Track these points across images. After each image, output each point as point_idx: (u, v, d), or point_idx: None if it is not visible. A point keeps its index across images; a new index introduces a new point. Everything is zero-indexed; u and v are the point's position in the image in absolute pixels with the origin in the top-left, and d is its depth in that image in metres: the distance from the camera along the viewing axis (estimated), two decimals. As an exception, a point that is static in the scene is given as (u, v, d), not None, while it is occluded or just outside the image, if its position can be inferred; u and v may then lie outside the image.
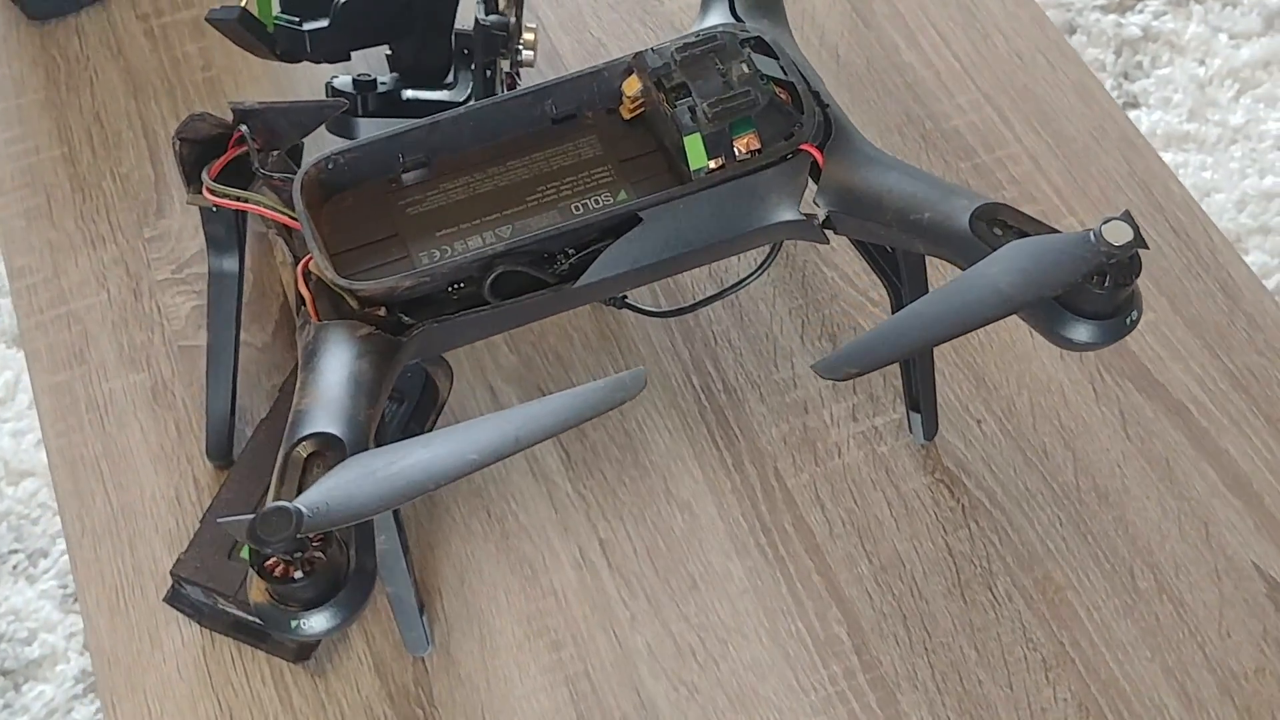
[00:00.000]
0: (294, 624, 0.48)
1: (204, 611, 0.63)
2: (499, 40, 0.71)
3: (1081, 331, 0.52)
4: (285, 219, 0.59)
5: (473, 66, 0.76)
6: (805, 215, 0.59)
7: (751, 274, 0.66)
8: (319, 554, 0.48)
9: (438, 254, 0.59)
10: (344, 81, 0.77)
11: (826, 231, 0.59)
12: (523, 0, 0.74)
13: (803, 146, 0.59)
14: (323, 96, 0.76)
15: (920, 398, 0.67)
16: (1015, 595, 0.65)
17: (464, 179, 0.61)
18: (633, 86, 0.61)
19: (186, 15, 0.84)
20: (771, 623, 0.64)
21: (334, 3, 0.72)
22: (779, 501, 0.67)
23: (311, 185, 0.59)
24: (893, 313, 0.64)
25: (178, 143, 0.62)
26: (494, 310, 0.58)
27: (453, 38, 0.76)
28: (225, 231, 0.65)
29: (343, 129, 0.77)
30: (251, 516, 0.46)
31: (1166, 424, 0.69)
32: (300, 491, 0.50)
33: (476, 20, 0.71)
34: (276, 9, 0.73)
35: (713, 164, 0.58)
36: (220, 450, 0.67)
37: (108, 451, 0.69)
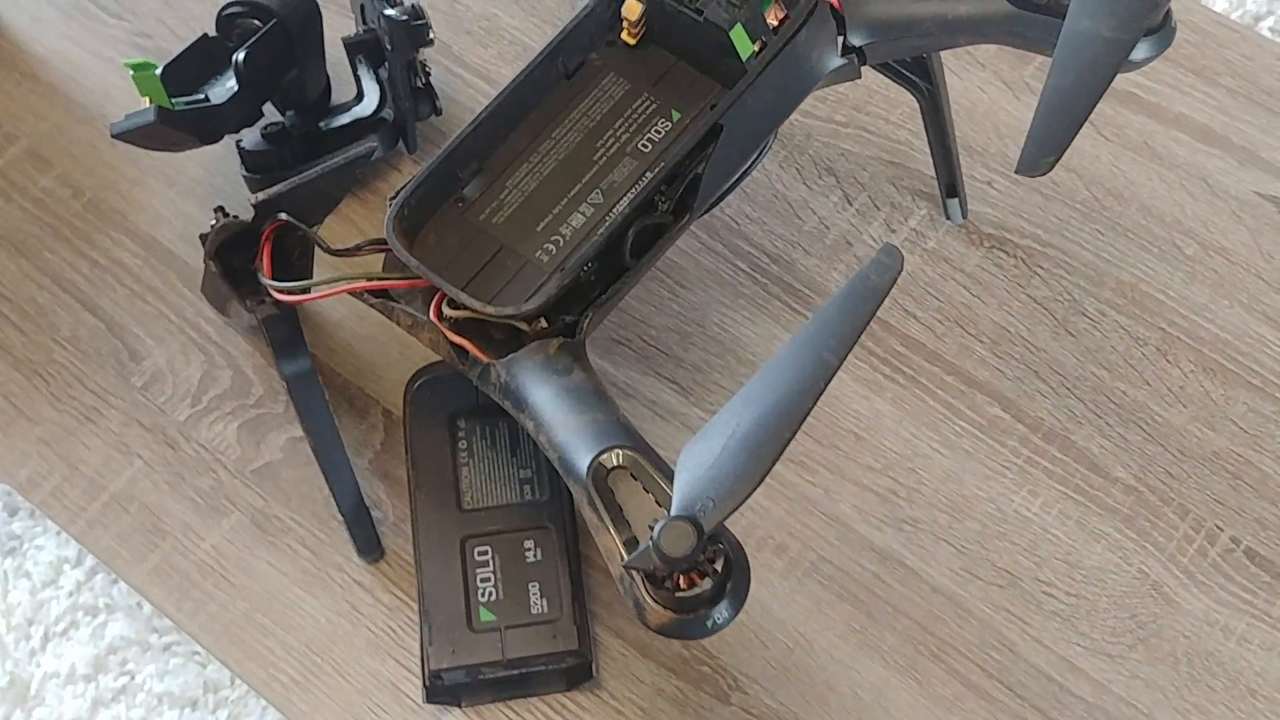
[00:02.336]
0: (710, 624, 0.47)
1: (464, 691, 0.60)
2: (422, 31, 0.68)
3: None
4: (402, 282, 0.56)
5: (379, 70, 0.72)
6: (845, 58, 0.61)
7: (758, 156, 0.67)
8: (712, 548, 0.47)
9: (553, 247, 0.58)
10: (255, 141, 0.72)
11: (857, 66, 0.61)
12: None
13: (819, -4, 0.60)
14: (247, 164, 0.71)
15: (957, 181, 0.71)
16: (1105, 309, 0.71)
17: (524, 167, 0.59)
18: (634, 10, 0.60)
19: (19, 149, 0.75)
20: (939, 433, 0.68)
21: (234, 63, 0.67)
22: (878, 331, 0.70)
23: (401, 238, 0.56)
24: (925, 117, 0.67)
25: (214, 264, 0.57)
26: (635, 270, 0.57)
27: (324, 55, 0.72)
28: (290, 330, 0.61)
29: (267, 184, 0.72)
30: (647, 545, 0.45)
31: (1128, 114, 0.76)
32: (623, 513, 0.49)
33: (385, 18, 0.68)
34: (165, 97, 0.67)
35: (755, 46, 0.59)
36: (370, 544, 0.64)
37: (254, 604, 0.64)
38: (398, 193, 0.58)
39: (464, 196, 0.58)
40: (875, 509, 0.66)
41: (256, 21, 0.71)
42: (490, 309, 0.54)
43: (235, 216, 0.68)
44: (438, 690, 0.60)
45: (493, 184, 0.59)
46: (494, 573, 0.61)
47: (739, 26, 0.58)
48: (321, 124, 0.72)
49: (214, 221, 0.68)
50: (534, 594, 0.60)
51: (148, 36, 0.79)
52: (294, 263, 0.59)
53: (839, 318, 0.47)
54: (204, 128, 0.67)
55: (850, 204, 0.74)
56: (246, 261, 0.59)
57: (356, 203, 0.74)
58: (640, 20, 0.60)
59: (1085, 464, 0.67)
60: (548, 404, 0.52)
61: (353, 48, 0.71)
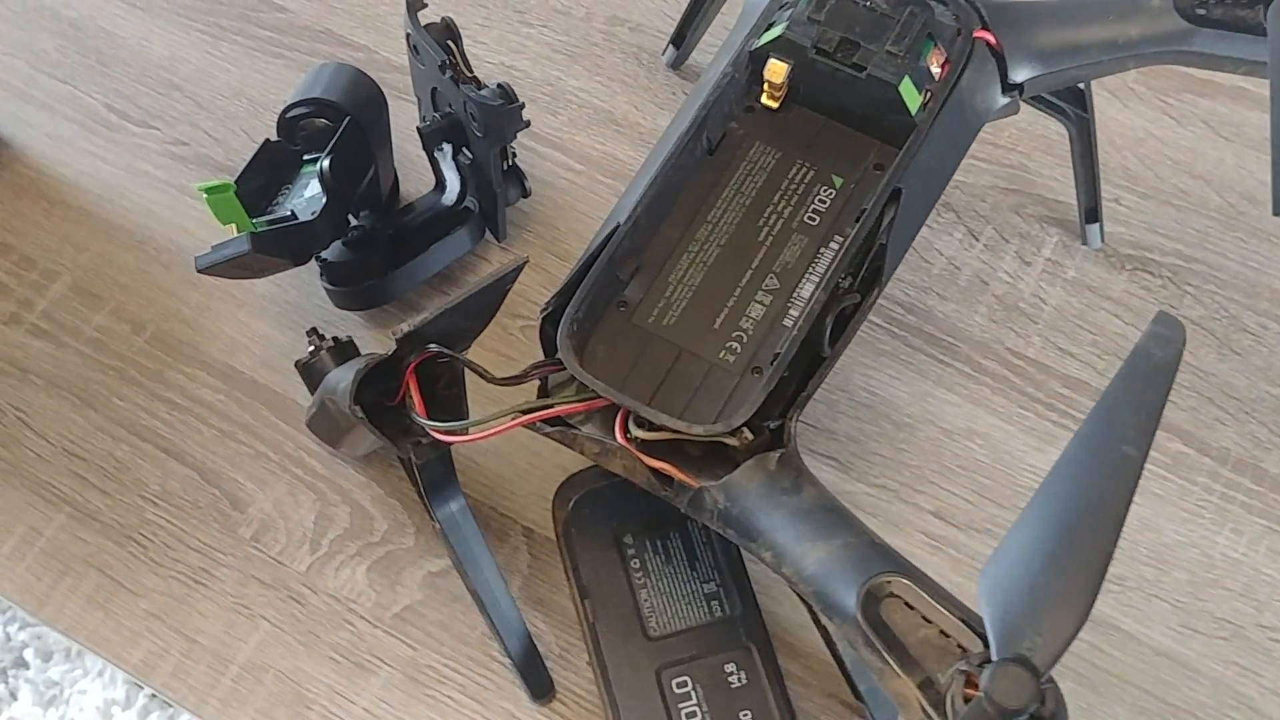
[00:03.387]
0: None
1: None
2: (516, 114, 0.61)
3: None
4: (581, 405, 0.50)
5: (457, 157, 0.66)
6: (1008, 95, 0.56)
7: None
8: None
9: (737, 345, 0.52)
10: (337, 251, 0.65)
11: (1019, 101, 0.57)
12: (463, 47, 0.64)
13: (976, 34, 0.55)
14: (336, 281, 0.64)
15: (1098, 205, 0.66)
16: (1266, 322, 0.67)
17: (684, 259, 0.53)
18: (778, 72, 0.54)
19: (62, 287, 0.68)
20: (1123, 478, 0.63)
21: (320, 173, 0.60)
22: (1035, 374, 0.66)
23: (573, 355, 0.50)
24: (1073, 144, 0.63)
25: (358, 409, 0.51)
26: (831, 358, 0.52)
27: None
28: (444, 469, 0.54)
29: (353, 297, 0.65)
30: (979, 699, 0.39)
31: (1242, 110, 0.72)
32: (908, 651, 0.43)
33: (475, 102, 0.61)
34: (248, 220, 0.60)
35: (922, 98, 0.54)
36: (544, 686, 0.58)
37: (423, 770, 0.57)
38: (551, 305, 0.52)
39: (625, 300, 0.52)
40: (1073, 570, 0.61)
41: (323, 120, 0.65)
42: (699, 429, 0.48)
43: (333, 339, 0.62)
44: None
45: (654, 282, 0.53)
46: (699, 705, 0.55)
47: (906, 79, 0.53)
48: (406, 220, 0.66)
49: (312, 347, 0.62)
50: (747, 722, 0.55)
51: (184, 144, 0.72)
52: (440, 393, 0.53)
53: (1127, 404, 0.42)
54: (297, 247, 0.60)
55: (977, 239, 0.69)
56: (384, 398, 0.53)
57: (446, 298, 0.67)
58: (784, 82, 0.55)
59: (1283, 492, 0.63)
60: (785, 531, 0.46)
61: (431, 136, 0.65)
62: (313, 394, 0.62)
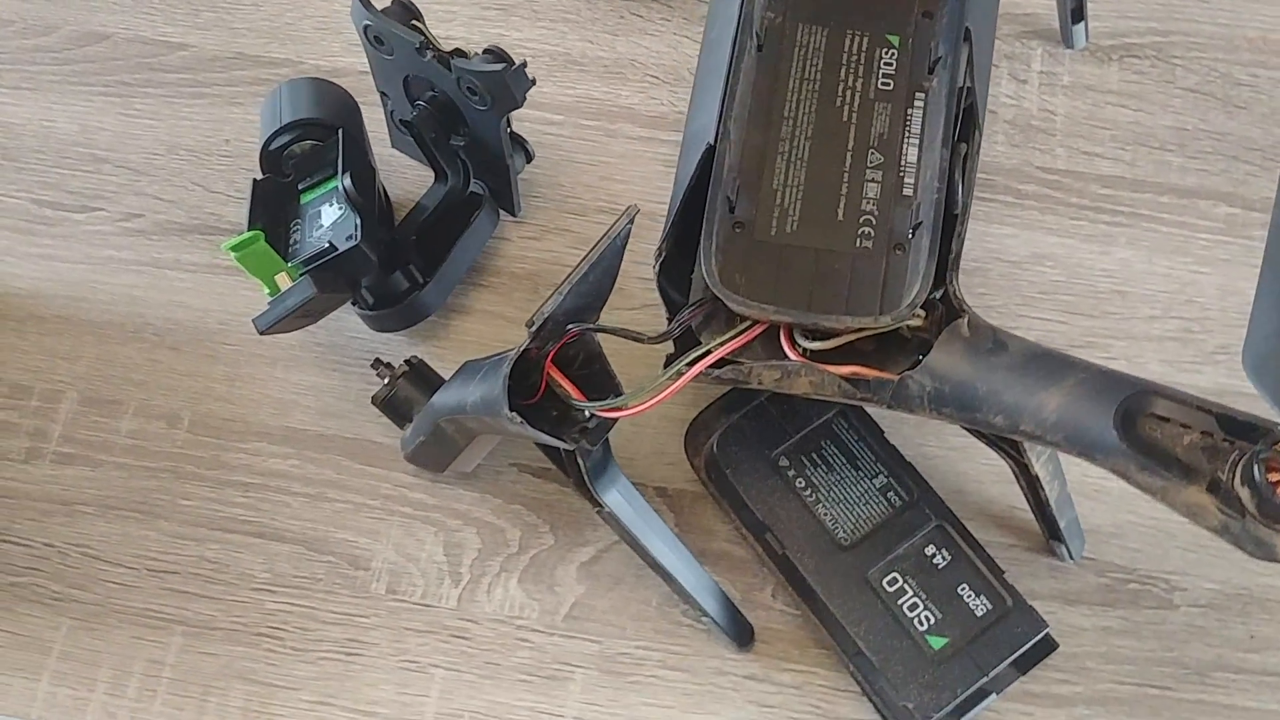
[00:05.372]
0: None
1: (940, 728, 0.54)
2: (522, 75, 0.57)
3: None
4: (745, 336, 0.48)
5: (454, 140, 0.61)
6: None
7: None
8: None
9: (869, 229, 0.50)
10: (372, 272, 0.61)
11: None
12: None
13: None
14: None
15: (1082, 2, 0.66)
16: (1255, 70, 0.68)
17: (779, 163, 0.53)
18: None
19: (70, 405, 0.61)
20: (1190, 254, 0.64)
21: (344, 192, 0.56)
22: (1073, 184, 0.66)
23: (727, 289, 0.48)
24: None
25: (516, 416, 0.48)
26: (965, 210, 0.50)
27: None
28: (604, 451, 0.51)
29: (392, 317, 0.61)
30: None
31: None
32: (1182, 462, 0.42)
33: (477, 75, 0.57)
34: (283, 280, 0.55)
35: None
36: (746, 632, 0.56)
37: (660, 753, 0.55)
38: (664, 251, 0.49)
39: (741, 221, 0.50)
40: (1182, 355, 0.62)
41: (308, 142, 0.60)
42: (887, 319, 0.47)
43: (406, 364, 0.58)
44: (923, 740, 0.53)
45: (759, 195, 0.51)
46: (916, 595, 0.54)
47: None
48: (423, 221, 0.62)
49: (386, 379, 0.57)
50: (968, 596, 0.54)
51: (137, 216, 0.65)
52: (581, 374, 0.50)
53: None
54: (352, 276, 0.56)
55: (967, 73, 0.69)
56: (523, 398, 0.49)
57: (484, 290, 0.64)
58: None
59: (1332, 222, 0.65)
60: (1011, 389, 0.45)
61: (425, 125, 0.60)
62: (401, 425, 0.58)
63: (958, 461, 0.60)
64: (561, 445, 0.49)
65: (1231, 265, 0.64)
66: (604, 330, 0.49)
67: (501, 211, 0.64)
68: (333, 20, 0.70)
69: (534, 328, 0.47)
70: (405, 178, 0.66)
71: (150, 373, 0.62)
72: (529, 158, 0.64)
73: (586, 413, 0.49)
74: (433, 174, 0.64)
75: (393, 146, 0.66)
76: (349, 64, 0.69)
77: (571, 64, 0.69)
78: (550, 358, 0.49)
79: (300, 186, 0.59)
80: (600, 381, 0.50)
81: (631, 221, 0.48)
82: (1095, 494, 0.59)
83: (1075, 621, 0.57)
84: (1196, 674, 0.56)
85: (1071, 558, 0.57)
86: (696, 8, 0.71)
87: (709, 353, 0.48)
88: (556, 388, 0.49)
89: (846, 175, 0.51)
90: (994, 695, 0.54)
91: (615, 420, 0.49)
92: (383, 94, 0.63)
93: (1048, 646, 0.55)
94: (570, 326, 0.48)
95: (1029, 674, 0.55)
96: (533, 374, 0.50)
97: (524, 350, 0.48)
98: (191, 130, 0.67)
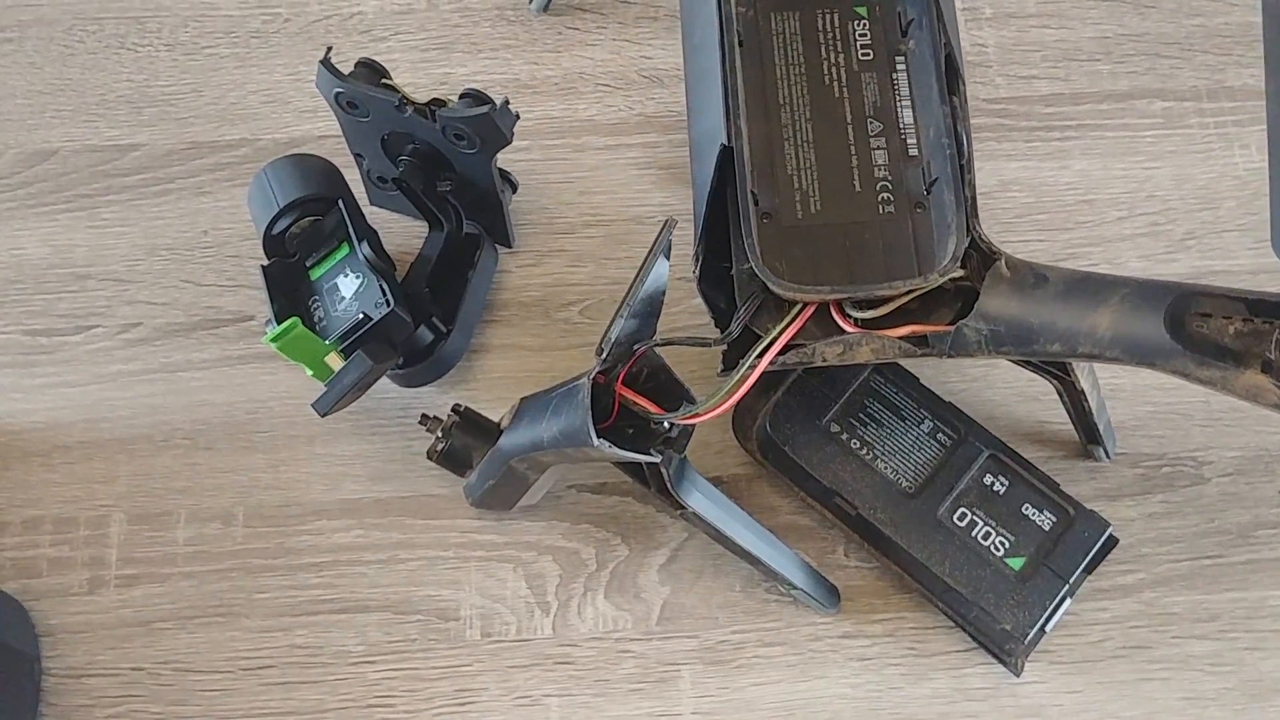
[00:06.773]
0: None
1: (1038, 638, 0.57)
2: (508, 114, 0.58)
3: None
4: (801, 320, 0.50)
5: (436, 189, 0.62)
6: None
7: None
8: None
9: (887, 195, 0.53)
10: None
11: None
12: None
13: None
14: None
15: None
16: (1153, -30, 0.73)
17: (787, 149, 0.54)
18: None
19: (119, 527, 0.61)
20: (1142, 152, 0.68)
21: (365, 260, 0.57)
22: (1018, 109, 0.69)
23: (776, 278, 0.50)
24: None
25: (605, 443, 0.49)
26: (971, 157, 0.53)
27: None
28: (682, 461, 0.53)
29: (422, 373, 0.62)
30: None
31: None
32: (1229, 350, 0.45)
33: (467, 120, 0.58)
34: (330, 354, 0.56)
35: None
36: (833, 594, 0.58)
37: (782, 726, 0.57)
38: (700, 255, 0.51)
39: (767, 212, 0.52)
40: (1155, 248, 0.66)
41: (307, 219, 0.60)
42: (935, 275, 0.49)
43: (453, 414, 0.59)
44: (1014, 652, 0.57)
45: (777, 184, 0.53)
46: (988, 525, 0.57)
47: None
48: (430, 273, 0.62)
49: (438, 433, 0.58)
50: (1033, 514, 0.57)
51: (135, 325, 0.65)
52: (648, 387, 0.52)
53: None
54: (397, 341, 0.57)
55: (895, 24, 0.72)
56: (598, 423, 0.51)
57: (497, 325, 0.65)
58: None
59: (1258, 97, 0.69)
60: (1063, 316, 0.48)
61: (414, 179, 0.61)
62: (460, 474, 0.59)
63: (982, 390, 0.63)
64: (648, 460, 0.51)
65: (1178, 155, 0.68)
66: (670, 343, 0.50)
67: (497, 245, 0.65)
68: (277, 91, 0.70)
69: (603, 354, 0.49)
70: (392, 231, 0.66)
71: (191, 477, 0.62)
72: (514, 188, 0.65)
73: (666, 423, 0.51)
74: (424, 224, 0.65)
75: (372, 204, 0.67)
76: (306, 131, 0.69)
77: (523, 88, 0.70)
78: (620, 379, 0.50)
79: (307, 264, 0.60)
80: (670, 390, 0.52)
81: (670, 230, 0.50)
82: (1111, 394, 0.63)
83: (1123, 514, 0.61)
84: (1240, 537, 0.61)
85: (1108, 456, 0.61)
86: (628, 12, 0.72)
87: (774, 341, 0.50)
88: (633, 406, 0.51)
89: (853, 147, 0.53)
90: (1070, 599, 0.58)
91: (695, 425, 0.51)
92: (357, 155, 0.64)
93: (1111, 543, 0.59)
94: (636, 346, 0.50)
95: (1094, 572, 0.59)
96: (602, 398, 0.51)
97: (599, 376, 0.50)
98: (166, 228, 0.67)
